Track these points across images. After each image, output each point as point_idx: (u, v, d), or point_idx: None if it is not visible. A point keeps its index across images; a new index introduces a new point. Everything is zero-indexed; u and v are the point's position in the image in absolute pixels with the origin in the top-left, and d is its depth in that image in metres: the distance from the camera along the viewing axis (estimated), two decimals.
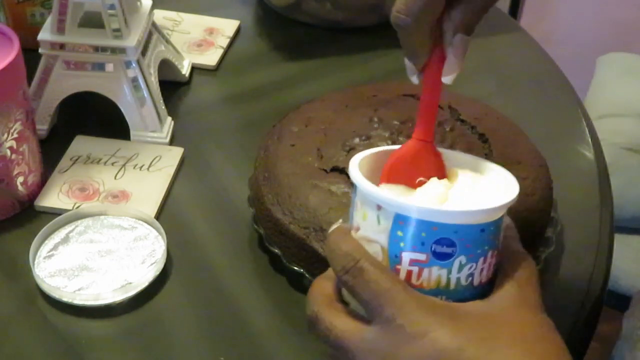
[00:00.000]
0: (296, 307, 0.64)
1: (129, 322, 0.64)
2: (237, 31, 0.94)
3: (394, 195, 0.49)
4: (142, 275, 0.65)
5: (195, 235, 0.71)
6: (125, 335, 0.63)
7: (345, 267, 0.48)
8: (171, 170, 0.75)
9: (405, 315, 0.46)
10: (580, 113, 0.84)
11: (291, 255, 0.64)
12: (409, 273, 0.47)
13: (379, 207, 0.48)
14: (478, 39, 0.93)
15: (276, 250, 0.65)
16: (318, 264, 0.61)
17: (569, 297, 0.66)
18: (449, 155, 0.54)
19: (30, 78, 0.73)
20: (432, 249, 0.47)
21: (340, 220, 0.52)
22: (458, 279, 0.48)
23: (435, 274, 0.47)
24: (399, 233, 0.47)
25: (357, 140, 0.65)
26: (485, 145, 0.66)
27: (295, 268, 0.64)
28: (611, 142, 1.25)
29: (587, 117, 0.84)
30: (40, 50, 0.76)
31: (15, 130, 0.68)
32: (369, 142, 0.65)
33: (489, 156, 0.65)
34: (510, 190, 0.50)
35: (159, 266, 0.66)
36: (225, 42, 0.91)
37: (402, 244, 0.47)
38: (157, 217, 0.71)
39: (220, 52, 0.90)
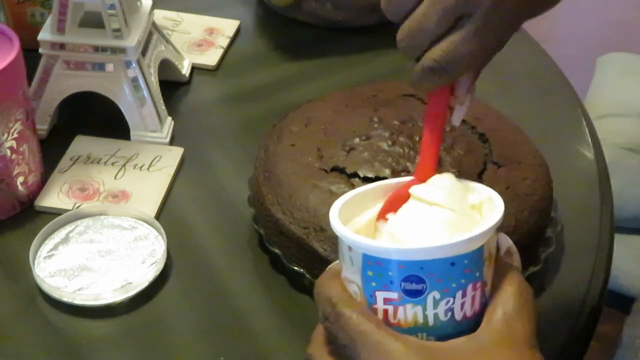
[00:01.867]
0: (296, 307, 0.64)
1: (129, 322, 0.64)
2: (237, 31, 0.93)
3: (358, 236, 0.48)
4: (142, 275, 0.65)
5: (195, 235, 0.71)
6: (125, 335, 0.63)
7: (324, 314, 0.48)
8: (171, 170, 0.75)
9: (378, 358, 0.45)
10: (580, 113, 0.84)
11: (291, 255, 0.64)
12: (385, 312, 0.47)
13: (349, 248, 0.48)
14: None
15: (276, 250, 0.65)
16: (318, 264, 0.61)
17: (569, 297, 0.66)
18: (437, 185, 0.52)
19: (30, 78, 0.73)
20: (402, 286, 0.46)
21: (338, 261, 0.51)
22: (435, 314, 0.47)
23: (411, 311, 0.47)
24: (369, 273, 0.47)
25: (357, 140, 0.65)
26: (485, 145, 0.66)
27: (295, 268, 0.64)
28: (611, 142, 1.25)
29: (587, 117, 0.84)
30: (40, 50, 0.76)
31: (15, 130, 0.68)
32: (369, 142, 0.65)
33: (488, 156, 0.65)
34: (488, 220, 0.48)
35: (159, 266, 0.66)
36: (225, 42, 0.91)
37: (373, 284, 0.47)
38: (157, 217, 0.71)
39: (220, 52, 0.90)
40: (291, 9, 0.94)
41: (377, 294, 0.47)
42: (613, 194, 0.77)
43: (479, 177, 0.63)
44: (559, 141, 0.80)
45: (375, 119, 0.67)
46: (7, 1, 0.85)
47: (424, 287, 0.46)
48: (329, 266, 0.51)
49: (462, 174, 0.62)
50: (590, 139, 0.81)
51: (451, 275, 0.46)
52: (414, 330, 0.47)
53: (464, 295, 0.47)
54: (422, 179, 0.52)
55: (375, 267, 0.47)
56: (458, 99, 0.53)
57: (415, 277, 0.46)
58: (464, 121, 0.67)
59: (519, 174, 0.64)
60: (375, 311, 0.47)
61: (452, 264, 0.46)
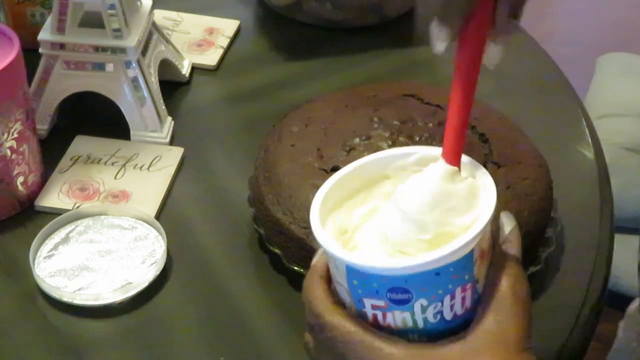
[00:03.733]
0: (296, 307, 0.64)
1: (129, 322, 0.64)
2: (237, 31, 0.93)
3: (339, 248, 0.47)
4: (142, 275, 0.65)
5: (195, 235, 0.71)
6: (125, 335, 0.63)
7: (310, 324, 0.48)
8: (171, 170, 0.75)
9: None
10: (580, 113, 0.84)
11: (291, 255, 0.64)
12: (374, 316, 0.47)
13: (332, 257, 0.47)
14: None
15: (276, 250, 0.65)
16: None
17: (569, 297, 0.66)
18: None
19: (30, 78, 0.73)
20: (388, 296, 0.46)
21: (320, 252, 0.51)
22: (425, 318, 0.46)
23: (399, 317, 0.46)
24: (355, 282, 0.46)
25: (357, 140, 0.65)
26: (485, 145, 0.66)
27: (295, 268, 0.64)
28: (611, 142, 1.25)
29: (587, 117, 0.84)
30: (40, 50, 0.76)
31: (15, 130, 0.68)
32: (368, 142, 0.65)
33: (488, 156, 0.65)
34: (477, 225, 0.46)
35: (159, 266, 0.66)
36: (225, 42, 0.91)
37: (359, 291, 0.47)
38: (157, 217, 0.71)
39: (220, 52, 0.90)
40: (291, 9, 0.94)
41: (365, 300, 0.47)
42: (613, 194, 0.77)
43: None
44: (559, 141, 0.80)
45: (375, 119, 0.67)
46: (7, 1, 0.85)
47: (410, 297, 0.45)
48: (312, 262, 0.51)
49: None
50: (590, 139, 0.81)
51: (437, 284, 0.45)
52: (404, 331, 0.47)
53: (452, 299, 0.46)
54: (449, 158, 0.48)
55: (359, 277, 0.46)
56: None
57: (400, 289, 0.45)
58: None
59: (519, 174, 0.64)
60: (364, 315, 0.47)
61: (437, 274, 0.45)
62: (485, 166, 0.64)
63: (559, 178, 0.69)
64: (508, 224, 0.51)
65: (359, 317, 0.48)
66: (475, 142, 0.66)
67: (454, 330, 0.47)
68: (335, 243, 0.47)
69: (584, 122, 0.83)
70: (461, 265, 0.46)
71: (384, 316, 0.46)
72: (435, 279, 0.45)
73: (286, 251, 0.65)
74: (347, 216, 0.51)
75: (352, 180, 0.51)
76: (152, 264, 0.66)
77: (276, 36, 0.94)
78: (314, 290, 0.49)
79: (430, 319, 0.46)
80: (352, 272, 0.46)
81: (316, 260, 0.51)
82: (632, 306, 0.78)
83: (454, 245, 0.45)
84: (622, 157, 1.26)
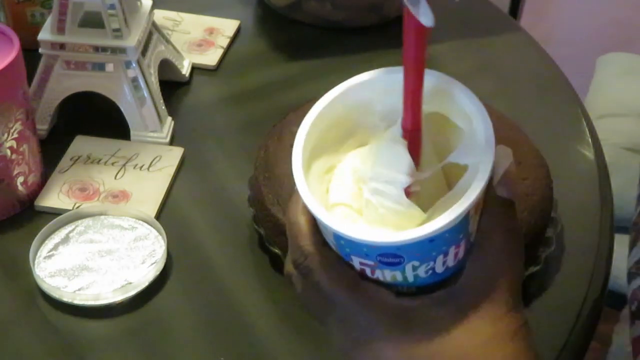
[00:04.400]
0: (296, 307, 0.64)
1: (129, 322, 0.64)
2: (237, 31, 0.93)
3: (327, 216, 0.45)
4: (142, 275, 0.65)
5: (195, 235, 0.71)
6: (125, 335, 0.63)
7: (295, 262, 0.47)
8: (171, 170, 0.75)
9: (348, 319, 0.45)
10: (580, 113, 0.84)
11: None
12: (362, 270, 0.46)
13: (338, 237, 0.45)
14: (478, 39, 0.94)
15: (276, 250, 0.65)
16: None
17: (569, 297, 0.66)
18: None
19: (30, 78, 0.73)
20: (378, 259, 0.45)
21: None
22: (415, 275, 0.45)
23: (389, 274, 0.45)
24: (342, 242, 0.45)
25: None
26: None
27: None
28: (611, 142, 1.25)
29: (587, 117, 0.84)
30: (40, 50, 0.76)
31: (15, 130, 0.68)
32: None
33: None
34: (471, 191, 0.44)
35: (159, 266, 0.66)
36: (225, 42, 0.91)
37: (347, 250, 0.46)
38: (157, 217, 0.71)
39: (220, 52, 0.90)
40: (291, 9, 0.94)
41: (353, 257, 0.46)
42: (613, 194, 0.77)
43: None
44: (559, 141, 0.80)
45: None
46: (7, 1, 0.85)
47: (401, 260, 0.44)
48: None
49: None
50: (590, 139, 0.81)
51: (431, 249, 0.44)
52: (393, 284, 0.46)
53: (445, 256, 0.45)
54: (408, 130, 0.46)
55: (347, 241, 0.45)
56: None
57: (391, 254, 0.44)
58: None
59: (519, 174, 0.64)
60: (351, 266, 0.46)
61: (432, 240, 0.44)
62: None
63: (559, 178, 0.69)
64: (503, 161, 0.49)
65: None
66: None
67: (444, 279, 0.46)
68: (321, 208, 0.45)
69: (584, 122, 0.83)
70: (456, 229, 0.44)
71: (373, 272, 0.46)
72: (428, 245, 0.44)
73: (286, 251, 0.64)
74: (332, 155, 0.49)
75: (335, 110, 0.50)
76: (152, 264, 0.66)
77: (276, 36, 0.94)
78: (299, 217, 0.47)
79: (422, 274, 0.45)
80: (342, 238, 0.45)
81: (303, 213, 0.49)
82: (626, 310, 0.78)
83: (451, 215, 0.43)
84: (622, 157, 1.26)
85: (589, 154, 0.79)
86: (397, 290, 0.46)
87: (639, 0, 2.08)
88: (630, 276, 0.67)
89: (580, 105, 0.86)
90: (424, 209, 0.45)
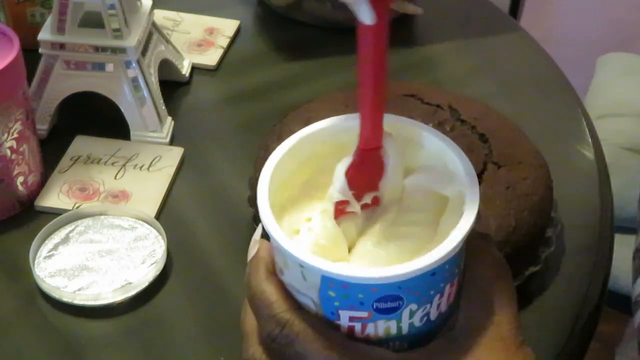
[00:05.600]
0: None
1: (129, 322, 0.64)
2: (237, 31, 0.93)
3: (314, 257, 0.41)
4: (142, 275, 0.65)
5: (195, 235, 0.71)
6: (125, 335, 0.63)
7: (271, 335, 0.42)
8: (171, 170, 0.75)
9: None
10: (580, 113, 0.84)
11: None
12: (351, 328, 0.42)
13: (301, 266, 0.41)
14: (478, 39, 0.94)
15: None
16: None
17: (569, 297, 0.66)
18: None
19: (30, 78, 0.73)
20: (374, 307, 0.41)
21: (259, 230, 0.46)
22: (411, 323, 0.42)
23: (383, 326, 0.42)
24: (331, 294, 0.41)
25: None
26: (485, 145, 0.66)
27: None
28: (611, 142, 1.25)
29: (587, 117, 0.84)
30: (40, 50, 0.76)
31: (15, 130, 0.68)
32: None
33: (488, 156, 0.65)
34: (465, 220, 0.41)
35: (159, 266, 0.66)
36: (225, 42, 0.91)
37: (336, 303, 0.41)
38: (157, 217, 0.71)
39: (220, 52, 0.90)
40: (291, 9, 0.94)
41: (341, 312, 0.42)
42: (613, 194, 0.77)
43: (479, 177, 0.63)
44: (559, 141, 0.80)
45: None
46: (7, 1, 0.85)
47: (400, 304, 0.41)
48: (253, 251, 0.46)
49: None
50: (590, 139, 0.81)
51: (431, 285, 0.42)
52: (385, 341, 0.43)
53: (441, 297, 0.43)
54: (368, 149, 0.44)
55: (339, 289, 0.41)
56: None
57: (391, 297, 0.41)
58: (464, 121, 0.67)
59: (519, 174, 0.64)
60: (336, 327, 0.42)
61: (434, 274, 0.41)
62: (485, 166, 0.64)
63: (559, 178, 0.69)
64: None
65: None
66: (475, 142, 0.66)
67: (435, 329, 0.44)
68: (300, 247, 0.41)
69: (584, 122, 0.83)
70: (455, 260, 0.42)
71: (364, 327, 0.42)
72: (430, 280, 0.41)
73: None
74: (305, 204, 0.46)
75: (302, 152, 0.47)
76: (152, 264, 0.66)
77: (276, 36, 0.94)
78: (266, 285, 0.43)
79: (417, 323, 0.43)
80: (332, 282, 0.41)
81: (259, 247, 0.46)
82: (629, 330, 0.76)
83: (457, 237, 0.40)
84: (622, 157, 1.26)
85: (589, 154, 0.79)
86: (388, 347, 0.43)
87: (639, 0, 2.08)
88: (636, 305, 0.66)
89: (580, 105, 0.86)
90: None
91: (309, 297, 0.42)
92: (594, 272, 0.68)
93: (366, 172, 0.44)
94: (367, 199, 0.44)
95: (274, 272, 0.45)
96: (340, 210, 0.44)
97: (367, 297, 0.41)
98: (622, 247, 0.96)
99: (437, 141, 0.46)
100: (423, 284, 0.41)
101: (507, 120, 0.70)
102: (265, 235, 0.45)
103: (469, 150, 0.64)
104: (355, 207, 0.44)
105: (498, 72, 0.90)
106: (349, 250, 0.45)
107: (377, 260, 0.43)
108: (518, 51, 0.93)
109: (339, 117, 0.49)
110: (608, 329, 0.94)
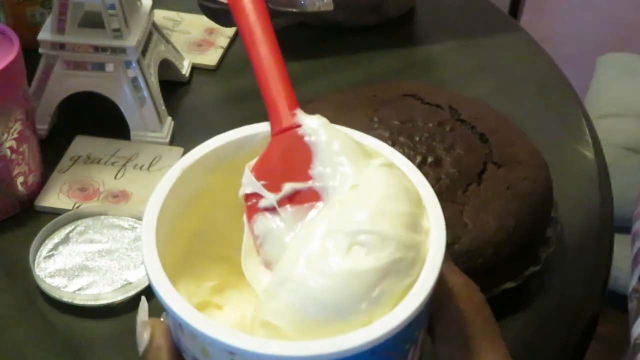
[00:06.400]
0: None
1: (129, 322, 0.63)
2: (237, 31, 0.93)
3: (255, 342, 0.31)
4: (142, 275, 0.65)
5: None
6: (125, 335, 0.63)
7: None
8: None
9: None
10: (580, 113, 0.84)
11: None
12: None
13: (231, 353, 0.32)
14: (478, 39, 0.94)
15: None
16: None
17: (569, 297, 0.66)
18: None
19: (30, 78, 0.73)
20: None
21: (144, 306, 0.37)
22: None
23: None
24: None
25: None
26: (485, 145, 0.66)
27: None
28: (611, 142, 1.25)
29: (587, 117, 0.84)
30: (40, 50, 0.76)
31: (15, 130, 0.68)
32: None
33: (488, 156, 0.65)
34: (421, 289, 0.32)
35: None
36: (225, 42, 0.91)
37: None
38: None
39: (220, 52, 0.90)
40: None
41: None
42: (613, 194, 0.77)
43: (479, 177, 0.63)
44: (559, 141, 0.80)
45: (375, 119, 0.67)
46: (7, 1, 0.85)
47: None
48: (150, 339, 0.36)
49: (462, 173, 0.62)
50: (590, 139, 0.81)
51: (406, 337, 0.34)
52: None
53: (415, 348, 0.35)
54: (280, 131, 0.37)
55: None
56: None
57: None
58: (464, 121, 0.67)
59: (519, 174, 0.64)
60: None
61: (409, 325, 0.33)
62: (485, 166, 0.64)
63: (559, 178, 0.69)
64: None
65: None
66: (475, 142, 0.66)
67: None
68: (225, 327, 0.31)
69: (584, 122, 0.83)
70: (406, 333, 0.33)
71: None
72: (406, 332, 0.33)
73: None
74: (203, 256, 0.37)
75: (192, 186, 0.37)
76: None
77: (276, 36, 0.94)
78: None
79: None
80: None
81: (151, 333, 0.36)
82: (629, 349, 0.75)
83: (394, 322, 0.31)
84: (622, 157, 1.26)
85: (589, 154, 0.79)
86: None
87: (639, 0, 2.08)
88: (636, 349, 0.66)
89: (580, 105, 0.86)
90: None
91: None
92: (594, 272, 0.68)
93: (279, 158, 0.36)
94: (288, 190, 0.35)
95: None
96: (251, 207, 0.35)
97: None
98: (622, 247, 0.96)
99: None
100: (400, 339, 0.33)
101: (507, 120, 0.70)
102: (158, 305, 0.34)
103: (468, 150, 0.64)
104: (270, 198, 0.35)
105: (498, 72, 0.90)
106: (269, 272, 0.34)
107: (306, 289, 0.32)
108: (518, 51, 0.93)
109: (224, 134, 0.39)
110: (608, 329, 0.94)
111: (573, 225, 0.70)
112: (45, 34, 0.75)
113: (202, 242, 0.38)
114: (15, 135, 0.68)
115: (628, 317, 0.75)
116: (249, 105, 0.85)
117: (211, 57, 0.89)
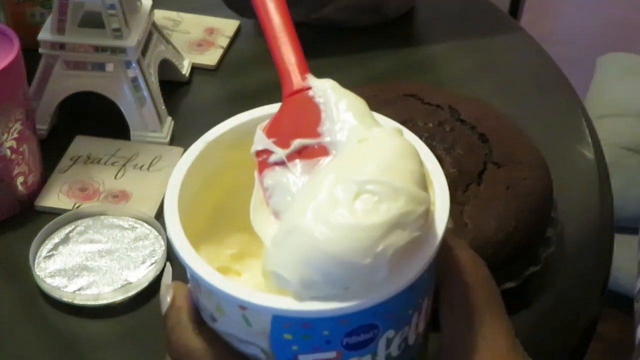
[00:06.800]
0: None
1: (129, 322, 0.64)
2: (237, 31, 0.93)
3: (262, 296, 0.32)
4: (142, 275, 0.65)
5: None
6: (125, 335, 0.63)
7: None
8: (171, 170, 0.75)
9: None
10: (580, 113, 0.84)
11: None
12: None
13: (242, 307, 0.33)
14: (478, 39, 0.94)
15: None
16: None
17: (569, 297, 0.66)
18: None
19: (30, 78, 0.73)
20: (344, 343, 0.34)
21: (169, 271, 0.39)
22: (388, 354, 0.35)
23: None
24: (287, 336, 0.33)
25: None
26: (485, 145, 0.66)
27: None
28: (611, 142, 1.25)
29: (587, 117, 0.84)
30: (40, 50, 0.76)
31: (15, 130, 0.68)
32: None
33: (488, 156, 0.65)
34: (439, 218, 0.34)
35: (159, 266, 0.66)
36: (225, 42, 0.91)
37: (295, 347, 0.34)
38: (157, 217, 0.71)
39: (220, 52, 0.90)
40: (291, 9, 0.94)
41: (302, 357, 0.34)
42: (613, 194, 0.77)
43: (479, 177, 0.63)
44: (559, 141, 0.80)
45: None
46: (7, 1, 0.85)
47: (376, 333, 0.34)
48: (172, 301, 0.37)
49: (462, 173, 0.62)
50: (590, 139, 0.81)
51: (408, 303, 0.35)
52: None
53: (419, 314, 0.36)
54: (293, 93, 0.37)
55: (298, 329, 0.33)
56: None
57: (366, 327, 0.34)
58: (464, 121, 0.67)
59: (519, 174, 0.64)
60: None
61: (411, 288, 0.34)
62: (485, 166, 0.64)
63: (559, 178, 0.69)
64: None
65: None
66: (475, 142, 0.66)
67: (413, 355, 0.37)
68: (237, 284, 0.33)
69: (584, 122, 0.83)
70: (432, 268, 0.35)
71: None
72: (407, 296, 0.34)
73: None
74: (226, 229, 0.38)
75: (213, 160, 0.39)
76: (152, 264, 0.66)
77: None
78: (194, 340, 0.35)
79: (394, 352, 0.36)
80: (287, 322, 0.33)
81: (173, 295, 0.38)
82: None
83: (436, 241, 0.34)
84: (622, 157, 1.26)
85: (589, 154, 0.79)
86: None
87: (639, 0, 2.08)
88: None
89: (580, 105, 0.86)
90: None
91: (257, 345, 0.34)
92: (594, 272, 0.68)
93: (290, 118, 0.37)
94: (297, 145, 0.36)
95: (201, 321, 0.37)
96: (262, 162, 0.36)
97: (335, 333, 0.33)
98: (622, 247, 0.96)
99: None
100: (401, 304, 0.34)
101: (507, 120, 0.70)
102: (179, 277, 0.36)
103: (468, 150, 0.64)
104: (279, 153, 0.37)
105: (498, 72, 0.90)
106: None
107: (312, 240, 0.32)
108: (518, 51, 0.93)
109: (248, 112, 0.41)
110: (608, 329, 0.94)
111: (573, 225, 0.70)
112: (45, 34, 0.75)
113: (224, 214, 0.39)
114: (15, 135, 0.68)
115: (633, 318, 0.74)
116: (249, 105, 0.85)
117: (211, 57, 0.89)
